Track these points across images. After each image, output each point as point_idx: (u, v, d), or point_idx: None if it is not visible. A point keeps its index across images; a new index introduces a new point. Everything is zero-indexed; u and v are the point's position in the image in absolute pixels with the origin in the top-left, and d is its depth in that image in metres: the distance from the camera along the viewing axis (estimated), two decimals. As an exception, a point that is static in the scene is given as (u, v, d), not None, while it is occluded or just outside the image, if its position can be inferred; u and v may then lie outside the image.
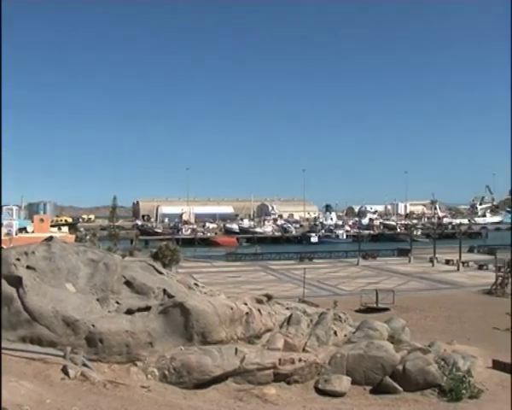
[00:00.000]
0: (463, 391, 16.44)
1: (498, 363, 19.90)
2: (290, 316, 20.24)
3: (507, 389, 17.60)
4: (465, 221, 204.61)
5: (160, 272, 19.36)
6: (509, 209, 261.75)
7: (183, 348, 16.13)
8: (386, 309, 32.44)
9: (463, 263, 58.74)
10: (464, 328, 28.08)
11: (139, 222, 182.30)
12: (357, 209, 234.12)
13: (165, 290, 17.44)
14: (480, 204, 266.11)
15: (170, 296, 17.16)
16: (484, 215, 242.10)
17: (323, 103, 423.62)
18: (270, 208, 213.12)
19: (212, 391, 15.46)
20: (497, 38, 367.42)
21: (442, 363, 18.07)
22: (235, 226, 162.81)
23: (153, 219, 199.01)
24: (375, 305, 33.15)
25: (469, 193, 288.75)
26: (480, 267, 57.59)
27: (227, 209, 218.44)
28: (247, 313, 18.28)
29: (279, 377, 16.68)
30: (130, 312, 16.48)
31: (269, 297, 22.69)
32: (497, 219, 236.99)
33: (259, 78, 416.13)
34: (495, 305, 34.87)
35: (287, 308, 21.87)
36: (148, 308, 16.68)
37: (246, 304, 18.89)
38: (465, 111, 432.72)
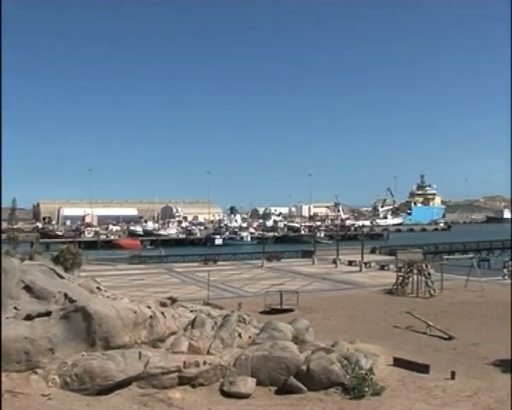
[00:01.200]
0: (366, 389, 16.73)
1: (399, 360, 20.38)
2: (194, 319, 20.08)
3: (407, 384, 18.06)
4: (367, 223, 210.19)
5: (62, 276, 18.82)
6: (409, 211, 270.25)
7: (85, 354, 15.72)
8: (290, 310, 32.69)
9: (365, 264, 59.93)
10: (366, 327, 28.63)
11: (40, 224, 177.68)
12: (261, 211, 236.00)
13: (66, 295, 16.96)
14: (382, 206, 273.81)
15: (71, 301, 16.71)
16: (385, 217, 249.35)
17: (228, 106, 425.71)
18: (175, 210, 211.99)
19: (115, 397, 15.12)
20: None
21: (345, 362, 18.31)
22: (139, 229, 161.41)
23: (54, 222, 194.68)
24: (279, 306, 33.33)
25: (371, 196, 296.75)
26: (382, 268, 58.91)
27: (131, 211, 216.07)
28: (150, 317, 18.03)
29: (184, 381, 16.51)
30: (29, 317, 15.92)
31: (173, 300, 22.43)
32: (397, 220, 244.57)
33: (163, 80, 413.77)
34: (396, 304, 35.76)
35: (191, 311, 21.69)
36: (48, 313, 16.17)
37: (149, 307, 18.62)
38: (365, 113, 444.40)
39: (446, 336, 25.97)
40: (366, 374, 17.47)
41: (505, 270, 47.29)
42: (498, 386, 17.99)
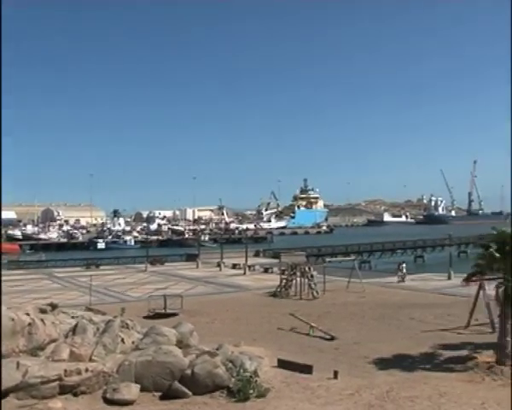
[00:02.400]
0: (251, 391, 16.80)
1: (283, 362, 20.61)
2: (76, 325, 19.55)
3: (291, 385, 18.28)
4: (251, 226, 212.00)
5: None
6: (292, 215, 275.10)
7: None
8: (174, 314, 32.39)
9: (249, 267, 60.14)
10: (251, 329, 28.75)
11: None
12: (145, 215, 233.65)
13: None
14: (266, 210, 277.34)
15: None
16: (269, 220, 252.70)
17: (110, 108, 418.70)
18: (56, 214, 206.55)
19: (-9, 409, 14.46)
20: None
21: (230, 365, 18.33)
22: (17, 233, 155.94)
23: None
24: (163, 310, 32.96)
25: (255, 199, 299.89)
26: (266, 271, 59.24)
27: (8, 214, 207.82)
28: (29, 324, 17.41)
29: (65, 390, 16.02)
30: None
31: (53, 306, 21.77)
32: (281, 223, 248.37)
33: (58, 82, 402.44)
34: (279, 306, 36.13)
35: (72, 317, 21.09)
36: None
37: (28, 314, 17.97)
38: (248, 116, 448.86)
39: (329, 337, 26.47)
40: (251, 376, 17.54)
41: (400, 272, 48.54)
42: (378, 383, 18.54)
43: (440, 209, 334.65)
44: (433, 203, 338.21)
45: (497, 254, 21.13)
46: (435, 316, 31.87)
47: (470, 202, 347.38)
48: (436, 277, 51.63)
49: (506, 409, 16.15)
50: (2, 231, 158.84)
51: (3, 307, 18.29)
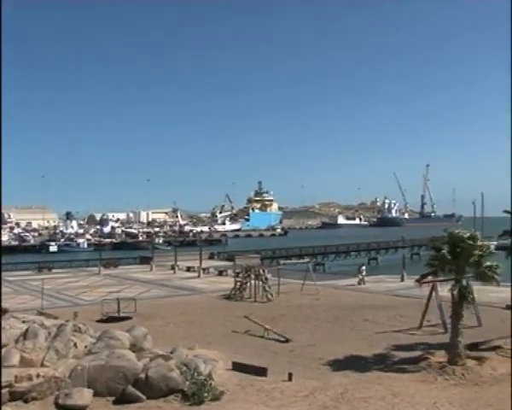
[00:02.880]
0: (205, 394, 16.75)
1: (237, 364, 20.57)
2: (27, 330, 19.20)
3: (246, 388, 18.26)
4: (206, 229, 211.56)
5: None
6: (247, 217, 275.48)
7: None
8: (128, 318, 32.06)
9: (204, 270, 59.94)
10: (205, 332, 28.62)
11: None
12: (98, 217, 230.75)
13: None
14: (221, 212, 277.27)
15: None
16: (224, 223, 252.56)
17: (62, 110, 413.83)
18: (7, 216, 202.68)
19: None
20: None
21: (184, 368, 18.22)
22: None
23: None
24: (116, 314, 32.63)
25: (210, 202, 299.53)
26: (220, 273, 59.13)
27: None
28: (-23, 329, 17.02)
29: (16, 396, 15.72)
30: None
31: (4, 311, 21.37)
32: (236, 226, 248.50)
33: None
34: (234, 309, 36.04)
35: (23, 322, 20.70)
36: None
37: (-24, 319, 17.58)
38: (203, 119, 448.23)
39: (283, 339, 26.49)
40: (205, 380, 17.48)
41: (360, 275, 48.79)
42: (333, 385, 18.63)
43: (394, 212, 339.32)
44: (386, 206, 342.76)
45: (449, 256, 21.45)
46: (388, 317, 32.19)
47: (423, 204, 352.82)
48: (389, 278, 52.22)
49: (458, 408, 16.44)
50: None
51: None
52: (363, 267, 50.49)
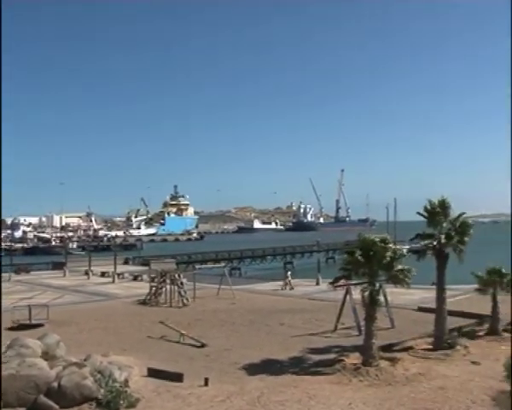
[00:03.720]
0: (121, 402, 16.52)
1: (153, 370, 20.40)
2: None
3: (162, 394, 18.10)
4: (121, 233, 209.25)
5: None
6: (162, 222, 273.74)
7: None
8: (40, 325, 31.26)
9: (119, 275, 59.17)
10: (120, 339, 28.22)
11: None
12: (9, 221, 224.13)
13: None
14: (136, 216, 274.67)
15: None
16: (139, 227, 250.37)
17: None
18: None
19: None
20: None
21: (98, 376, 17.89)
22: None
23: None
24: (28, 321, 31.77)
25: (125, 206, 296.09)
26: (135, 278, 58.49)
27: None
28: None
29: None
30: None
31: None
32: (151, 230, 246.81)
33: None
34: (149, 314, 35.69)
35: None
36: None
37: None
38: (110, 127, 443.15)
39: (199, 344, 26.40)
40: (120, 387, 17.22)
41: (286, 280, 48.81)
42: (249, 389, 18.67)
43: (309, 216, 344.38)
44: (302, 210, 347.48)
45: (362, 260, 21.86)
46: (304, 321, 32.54)
47: (338, 209, 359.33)
48: (305, 282, 52.79)
49: (372, 408, 16.76)
50: None
51: None
52: (289, 273, 50.68)
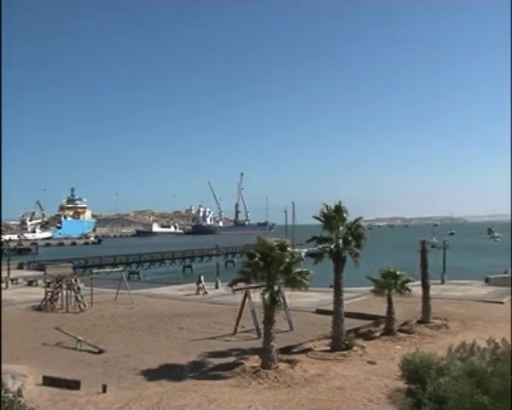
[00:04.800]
0: (13, 413, 15.92)
1: (49, 379, 19.89)
2: None
3: (58, 403, 17.69)
4: (15, 237, 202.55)
5: None
6: (59, 225, 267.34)
7: None
8: None
9: (12, 280, 57.56)
10: (14, 346, 27.26)
11: None
12: None
13: None
14: (31, 220, 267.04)
15: None
16: (34, 231, 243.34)
17: None
18: None
19: None
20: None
21: (-8, 386, 17.26)
22: None
23: None
24: None
25: (19, 208, 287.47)
26: (30, 284, 57.02)
27: None
28: None
29: None
30: None
31: None
32: (47, 234, 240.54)
33: None
34: (45, 320, 34.81)
35: None
36: None
37: None
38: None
39: (97, 350, 25.94)
40: (13, 397, 16.63)
41: (201, 284, 48.36)
42: (148, 395, 18.51)
43: (208, 220, 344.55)
44: (201, 214, 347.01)
45: (261, 263, 22.04)
46: (203, 325, 32.54)
47: (237, 212, 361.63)
48: (204, 286, 52.73)
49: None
50: None
51: None
52: (202, 277, 50.33)
